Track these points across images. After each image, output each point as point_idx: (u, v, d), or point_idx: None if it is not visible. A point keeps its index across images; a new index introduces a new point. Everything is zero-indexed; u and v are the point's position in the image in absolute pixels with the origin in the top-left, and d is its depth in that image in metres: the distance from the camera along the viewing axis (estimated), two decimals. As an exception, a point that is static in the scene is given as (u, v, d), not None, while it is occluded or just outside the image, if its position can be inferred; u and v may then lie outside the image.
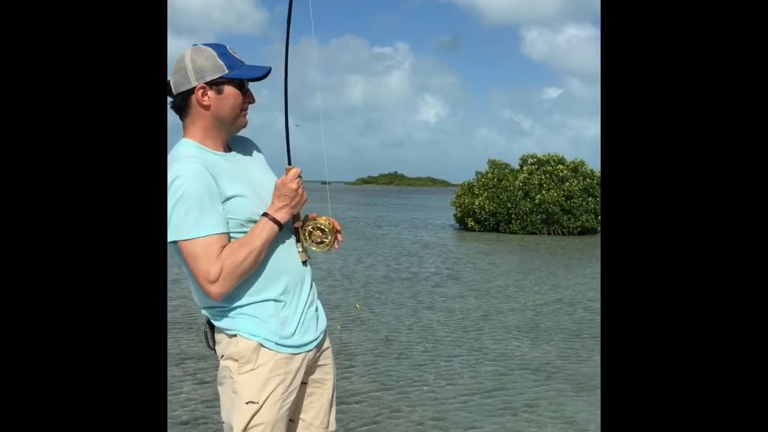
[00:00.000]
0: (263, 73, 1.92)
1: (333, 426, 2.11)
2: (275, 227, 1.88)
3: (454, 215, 22.02)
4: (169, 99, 1.93)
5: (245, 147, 2.06)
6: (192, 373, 5.01)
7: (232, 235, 1.85)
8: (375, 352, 5.77)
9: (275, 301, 1.91)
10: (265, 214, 1.88)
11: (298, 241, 2.00)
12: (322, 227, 2.03)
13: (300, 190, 1.93)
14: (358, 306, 7.49)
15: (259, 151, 2.12)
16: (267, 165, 2.11)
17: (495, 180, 20.73)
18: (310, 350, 1.99)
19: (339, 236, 2.07)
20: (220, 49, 1.91)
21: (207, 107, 1.88)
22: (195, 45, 1.93)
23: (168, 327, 6.37)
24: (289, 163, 1.99)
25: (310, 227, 2.03)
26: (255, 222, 1.89)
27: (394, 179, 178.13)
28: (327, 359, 2.11)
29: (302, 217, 2.04)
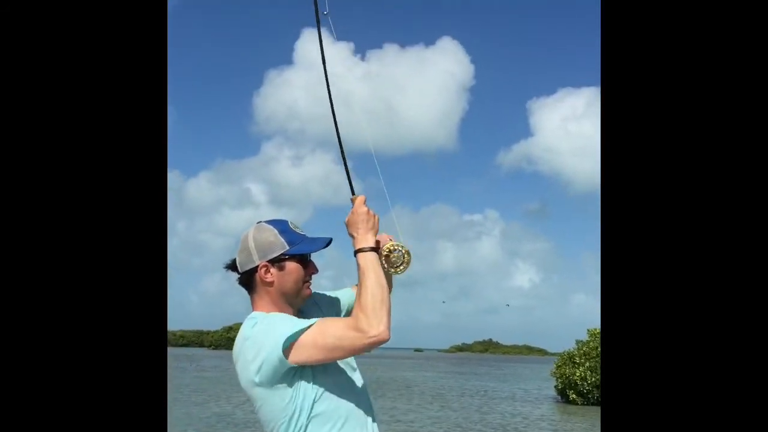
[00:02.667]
0: (323, 245, 1.98)
1: None
2: (371, 254, 1.89)
3: (554, 386, 20.91)
4: (236, 276, 1.99)
5: (314, 307, 2.08)
6: None
7: (316, 394, 1.83)
8: None
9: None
10: (354, 253, 1.91)
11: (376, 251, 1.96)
12: (395, 248, 1.99)
13: (371, 212, 1.95)
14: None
15: (312, 304, 2.10)
16: (323, 302, 2.13)
17: (597, 349, 19.79)
18: None
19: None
20: (281, 226, 1.96)
21: (270, 284, 1.93)
22: (259, 222, 1.99)
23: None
24: (353, 194, 2.02)
25: (385, 251, 1.99)
26: (348, 369, 1.92)
27: (489, 347, 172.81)
28: None
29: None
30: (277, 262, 1.93)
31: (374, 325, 1.74)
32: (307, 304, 2.09)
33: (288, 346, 1.76)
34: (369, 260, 1.88)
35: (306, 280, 1.98)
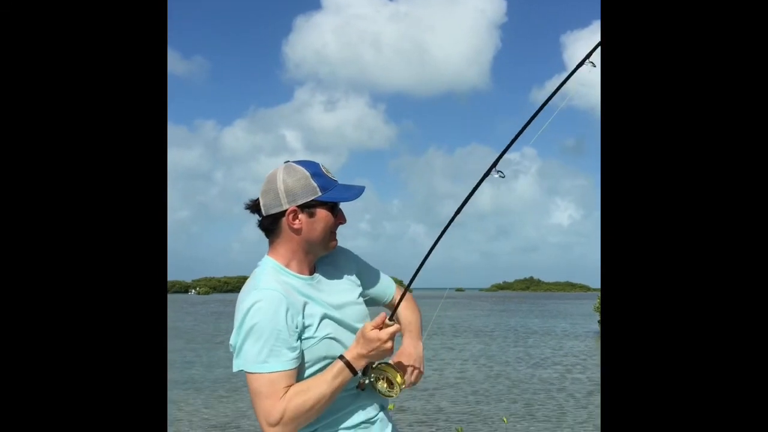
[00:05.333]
0: (357, 195, 1.84)
1: None
2: (350, 375, 1.74)
3: (598, 322, 20.92)
4: (257, 218, 1.85)
5: (334, 263, 1.94)
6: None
7: (306, 368, 1.75)
8: (527, 471, 5.43)
9: (345, 425, 1.80)
10: (341, 358, 1.75)
11: (364, 374, 1.81)
12: (390, 378, 1.84)
13: (391, 350, 1.77)
14: (505, 420, 7.17)
15: (348, 259, 2.00)
16: (355, 278, 1.98)
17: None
18: None
19: (414, 375, 1.88)
20: (313, 168, 1.81)
21: (298, 231, 1.79)
22: (287, 162, 1.84)
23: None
24: (391, 318, 1.83)
25: (374, 376, 1.84)
26: (333, 355, 1.77)
27: (530, 285, 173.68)
28: None
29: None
30: (307, 208, 1.79)
31: (278, 430, 1.68)
32: (347, 263, 1.98)
33: (241, 369, 1.71)
34: (339, 378, 1.73)
35: (333, 230, 1.85)
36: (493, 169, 1.83)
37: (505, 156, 1.86)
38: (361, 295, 1.95)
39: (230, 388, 9.69)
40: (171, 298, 74.27)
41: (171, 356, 13.67)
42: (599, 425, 6.48)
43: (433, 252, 1.90)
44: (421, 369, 1.91)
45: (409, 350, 1.93)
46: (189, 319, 29.04)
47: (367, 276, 2.00)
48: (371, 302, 1.98)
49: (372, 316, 1.90)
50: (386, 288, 2.04)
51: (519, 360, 13.59)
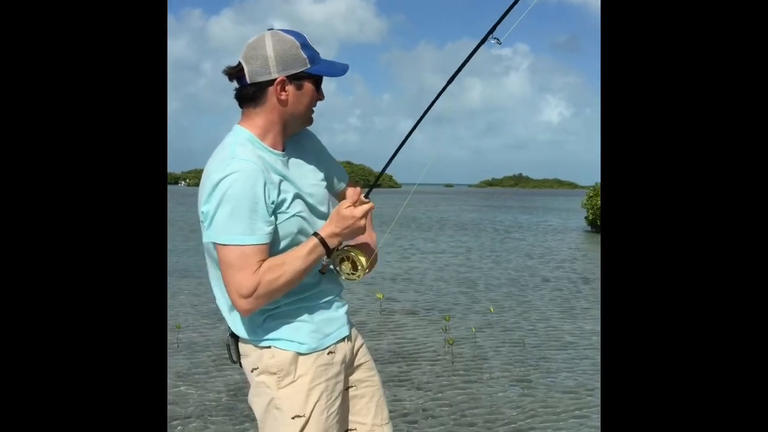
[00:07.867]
0: (344, 71, 1.80)
1: (388, 417, 2.03)
2: (323, 252, 1.75)
3: (585, 218, 21.22)
4: (235, 84, 1.78)
5: (300, 143, 1.90)
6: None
7: (275, 244, 1.75)
8: (510, 356, 5.68)
9: (307, 304, 1.83)
10: (316, 235, 1.75)
11: (328, 256, 1.81)
12: (354, 260, 1.87)
13: (363, 228, 1.79)
14: (491, 309, 7.41)
15: (312, 141, 1.97)
16: (321, 157, 1.96)
17: (629, 181, 19.73)
18: (342, 341, 1.91)
19: (372, 258, 1.92)
20: (302, 40, 1.75)
21: (284, 102, 1.74)
22: (272, 29, 1.76)
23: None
24: (367, 196, 1.83)
25: (339, 257, 1.87)
26: (302, 233, 1.78)
27: (518, 181, 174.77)
28: (365, 357, 2.02)
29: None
30: (296, 79, 1.73)
31: (250, 303, 1.68)
32: (312, 145, 1.95)
33: (214, 240, 1.71)
34: (313, 254, 1.73)
35: (314, 105, 1.82)
36: (490, 36, 1.79)
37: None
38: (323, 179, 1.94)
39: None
40: (161, 189, 74.32)
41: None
42: (580, 316, 6.71)
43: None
44: (377, 254, 1.95)
45: (371, 234, 1.96)
46: (181, 210, 29.19)
47: (327, 162, 1.98)
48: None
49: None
50: (341, 177, 2.03)
51: (506, 252, 13.89)
